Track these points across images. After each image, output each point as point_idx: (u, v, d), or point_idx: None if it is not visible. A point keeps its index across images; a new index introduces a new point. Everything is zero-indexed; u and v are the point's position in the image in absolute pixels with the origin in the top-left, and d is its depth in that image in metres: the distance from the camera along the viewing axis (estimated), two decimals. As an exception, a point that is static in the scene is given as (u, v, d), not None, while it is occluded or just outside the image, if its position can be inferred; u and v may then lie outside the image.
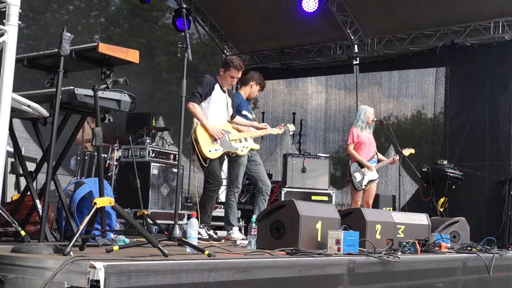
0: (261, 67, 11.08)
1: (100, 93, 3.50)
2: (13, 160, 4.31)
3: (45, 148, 3.80)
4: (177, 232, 3.66)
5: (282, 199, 8.01)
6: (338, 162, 11.05)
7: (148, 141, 7.59)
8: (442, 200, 8.69)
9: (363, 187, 7.12)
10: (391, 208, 8.60)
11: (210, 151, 5.55)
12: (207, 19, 11.40)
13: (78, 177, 7.13)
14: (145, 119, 8.43)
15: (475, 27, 9.48)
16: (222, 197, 8.52)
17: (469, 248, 5.48)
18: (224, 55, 11.98)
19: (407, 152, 7.50)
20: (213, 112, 5.71)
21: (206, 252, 3.20)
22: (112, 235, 4.04)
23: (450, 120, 9.77)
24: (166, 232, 4.64)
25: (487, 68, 9.36)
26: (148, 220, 5.80)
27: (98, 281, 2.37)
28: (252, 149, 6.12)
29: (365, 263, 3.91)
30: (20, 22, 3.10)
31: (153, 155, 7.43)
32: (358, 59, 10.94)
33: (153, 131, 7.89)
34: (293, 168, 8.37)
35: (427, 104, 10.22)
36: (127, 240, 4.08)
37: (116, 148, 7.32)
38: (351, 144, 7.17)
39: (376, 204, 8.00)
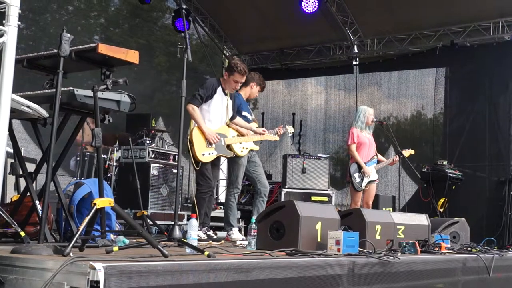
0: (260, 68, 11.08)
1: (99, 94, 3.49)
2: (12, 160, 4.31)
3: (44, 148, 3.79)
4: (177, 232, 3.65)
5: (282, 199, 8.00)
6: (338, 162, 11.04)
7: (147, 141, 7.59)
8: (442, 200, 8.68)
9: (363, 187, 7.12)
10: (391, 209, 8.60)
11: (203, 154, 5.55)
12: (207, 19, 11.39)
13: (78, 178, 7.14)
14: (144, 119, 8.41)
15: (475, 28, 9.48)
16: (222, 197, 8.51)
17: (469, 248, 5.48)
18: (223, 56, 11.99)
19: (406, 153, 7.48)
20: (213, 115, 5.71)
21: (206, 252, 3.20)
22: (112, 236, 4.04)
23: (450, 120, 9.77)
24: (166, 233, 4.63)
25: (486, 69, 9.36)
26: (148, 220, 5.80)
27: (98, 282, 2.37)
28: (251, 150, 6.11)
29: (365, 264, 3.91)
30: (19, 23, 3.09)
31: (152, 155, 7.43)
32: (357, 59, 10.94)
33: (152, 131, 7.89)
34: (293, 168, 8.36)
35: (427, 104, 10.21)
36: (127, 241, 4.08)
37: (115, 148, 7.31)
38: (352, 144, 7.15)
39: (376, 205, 7.99)
